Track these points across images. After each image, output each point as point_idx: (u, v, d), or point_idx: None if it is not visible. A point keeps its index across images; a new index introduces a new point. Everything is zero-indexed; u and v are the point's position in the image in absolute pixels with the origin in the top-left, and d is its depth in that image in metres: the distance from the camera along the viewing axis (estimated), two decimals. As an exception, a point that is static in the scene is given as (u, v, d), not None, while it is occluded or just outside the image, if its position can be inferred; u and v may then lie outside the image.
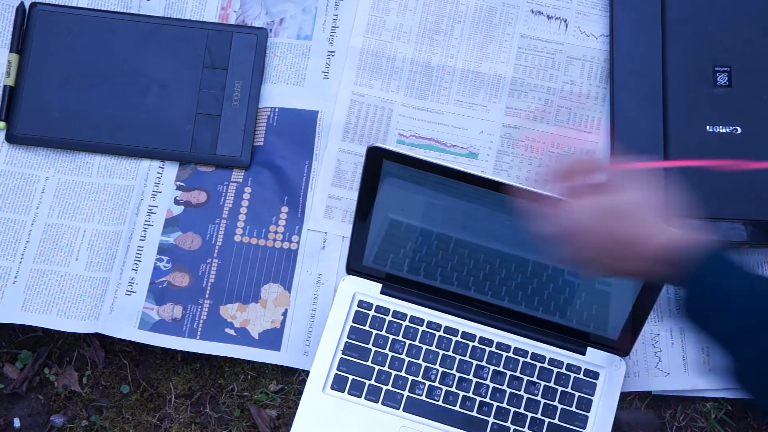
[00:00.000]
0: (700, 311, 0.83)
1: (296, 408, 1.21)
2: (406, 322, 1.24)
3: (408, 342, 1.23)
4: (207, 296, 1.28)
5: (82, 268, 1.28)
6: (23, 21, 1.36)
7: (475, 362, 1.22)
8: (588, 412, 1.21)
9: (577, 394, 1.21)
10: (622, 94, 1.33)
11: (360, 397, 1.21)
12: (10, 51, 1.35)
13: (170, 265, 1.30)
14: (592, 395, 1.21)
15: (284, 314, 1.28)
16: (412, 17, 1.40)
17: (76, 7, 1.38)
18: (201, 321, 1.27)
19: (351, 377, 1.21)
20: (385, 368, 1.22)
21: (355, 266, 1.25)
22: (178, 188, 1.33)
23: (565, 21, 1.39)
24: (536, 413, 1.20)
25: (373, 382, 1.21)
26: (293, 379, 1.26)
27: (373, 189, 1.16)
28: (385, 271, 1.24)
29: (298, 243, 1.31)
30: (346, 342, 1.23)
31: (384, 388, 1.21)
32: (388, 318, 1.24)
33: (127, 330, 1.26)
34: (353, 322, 1.23)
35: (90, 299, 1.27)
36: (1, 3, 1.37)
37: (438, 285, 1.23)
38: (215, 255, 1.30)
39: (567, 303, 1.21)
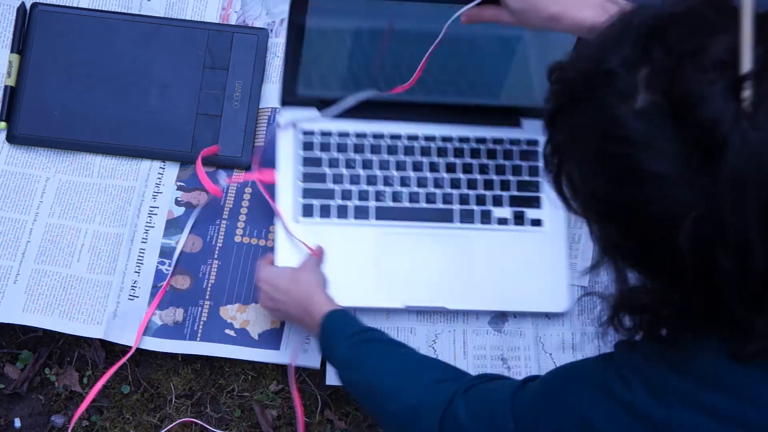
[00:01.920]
0: (323, 348, 1.13)
1: (297, 408, 1.21)
2: (353, 139, 1.29)
3: (359, 157, 1.29)
4: (207, 297, 1.28)
5: (83, 269, 1.29)
6: (24, 21, 1.36)
7: (426, 159, 1.30)
8: (538, 176, 1.31)
9: (524, 164, 1.31)
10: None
11: (329, 217, 1.27)
12: (11, 51, 1.35)
13: (171, 268, 1.30)
14: (537, 161, 1.31)
15: (284, 315, 1.28)
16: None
17: (76, 8, 1.38)
18: (201, 322, 1.27)
19: (316, 202, 1.27)
20: (347, 186, 1.28)
21: (289, 97, 1.29)
22: (179, 188, 1.33)
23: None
24: (494, 190, 1.30)
25: (339, 201, 1.27)
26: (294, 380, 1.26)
27: (303, 14, 1.18)
28: (319, 96, 1.29)
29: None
30: (303, 172, 1.28)
31: (350, 204, 1.28)
32: (334, 139, 1.29)
33: (131, 336, 1.26)
34: (303, 150, 1.29)
35: (92, 302, 1.27)
36: (2, 3, 1.37)
37: (371, 96, 1.25)
38: (215, 256, 1.30)
39: (491, 82, 1.27)
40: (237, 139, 1.34)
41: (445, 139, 1.31)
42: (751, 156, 0.61)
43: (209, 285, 1.29)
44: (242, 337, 1.27)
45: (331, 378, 1.24)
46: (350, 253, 1.26)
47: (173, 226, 1.32)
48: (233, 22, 1.39)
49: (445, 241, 1.28)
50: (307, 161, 1.29)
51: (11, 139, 1.33)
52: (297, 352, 1.24)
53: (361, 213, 1.28)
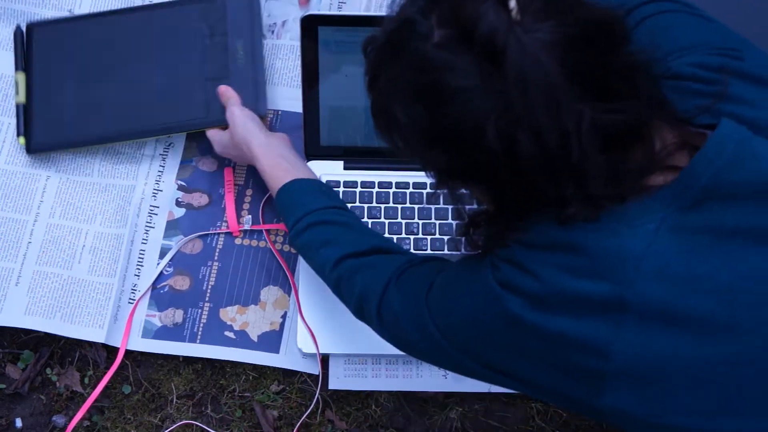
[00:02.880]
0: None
1: (298, 408, 1.21)
2: (376, 189, 1.30)
3: (383, 206, 1.29)
4: (207, 299, 1.29)
5: (84, 272, 1.29)
6: (23, 42, 1.37)
7: (450, 207, 1.29)
8: None
9: None
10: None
11: None
12: (16, 71, 1.36)
13: (171, 269, 1.30)
14: None
15: (283, 317, 1.28)
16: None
17: (69, 18, 1.39)
18: (201, 324, 1.28)
19: None
20: None
21: (312, 151, 1.30)
22: (180, 188, 1.34)
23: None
24: None
25: None
26: (294, 380, 1.26)
27: (314, 62, 1.21)
28: (342, 146, 1.30)
29: (298, 245, 1.31)
30: None
31: None
32: (358, 189, 1.30)
33: (131, 340, 1.27)
34: None
35: (94, 306, 1.27)
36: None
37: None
38: (216, 258, 1.31)
39: None
40: (250, 92, 1.33)
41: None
42: (528, 54, 0.72)
43: (209, 287, 1.29)
44: (242, 339, 1.27)
45: (334, 382, 1.24)
46: None
47: (173, 227, 1.32)
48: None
49: None
50: None
51: (31, 150, 1.33)
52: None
53: None
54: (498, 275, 0.84)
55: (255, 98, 1.33)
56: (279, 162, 1.20)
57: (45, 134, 1.33)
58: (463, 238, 0.91)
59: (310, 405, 1.25)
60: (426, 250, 1.27)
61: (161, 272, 1.30)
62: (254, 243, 1.31)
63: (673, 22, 0.96)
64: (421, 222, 1.28)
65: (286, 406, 1.26)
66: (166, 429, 1.25)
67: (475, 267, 0.88)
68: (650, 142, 0.80)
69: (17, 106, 1.34)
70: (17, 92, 1.35)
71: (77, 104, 1.34)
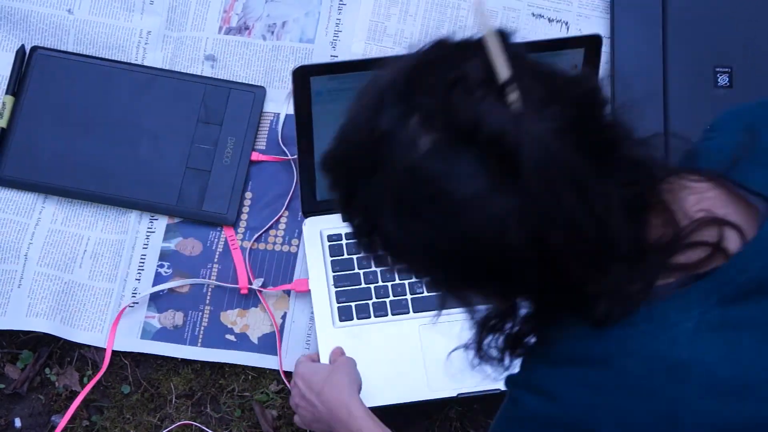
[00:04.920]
0: None
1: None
2: None
3: None
4: (207, 302, 1.29)
5: (85, 276, 1.29)
6: (21, 64, 1.35)
7: None
8: None
9: None
10: (623, 96, 1.33)
11: (370, 317, 1.25)
12: (6, 93, 1.34)
13: (171, 271, 1.30)
14: None
15: (283, 317, 1.28)
16: (413, 23, 1.40)
17: (76, 54, 1.37)
18: (202, 328, 1.27)
19: (353, 304, 1.25)
20: (381, 283, 1.26)
21: (309, 207, 1.29)
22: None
23: (566, 23, 1.39)
24: None
25: (374, 299, 1.25)
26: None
27: (308, 115, 1.18)
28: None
29: (298, 246, 1.31)
30: (334, 276, 1.27)
31: (388, 300, 1.26)
32: None
33: (130, 341, 1.27)
34: (331, 256, 1.27)
35: (94, 310, 1.27)
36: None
37: None
38: (216, 260, 1.30)
39: None
40: (224, 196, 1.32)
41: None
42: (543, 147, 0.65)
43: (209, 289, 1.29)
44: (242, 342, 1.27)
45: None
46: (395, 349, 1.24)
47: (173, 229, 1.32)
48: (234, 25, 1.40)
49: None
50: (337, 265, 1.27)
51: None
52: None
53: (399, 307, 1.25)
54: (521, 413, 0.78)
55: (227, 204, 1.31)
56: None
57: (17, 169, 1.31)
58: (475, 350, 0.82)
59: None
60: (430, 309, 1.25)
61: (160, 274, 1.29)
62: (254, 246, 1.31)
63: None
64: None
65: (285, 406, 1.26)
66: (166, 429, 1.25)
67: (503, 419, 0.83)
68: (669, 213, 0.74)
69: None
70: (1, 115, 1.33)
71: (57, 148, 1.32)
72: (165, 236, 1.31)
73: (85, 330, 1.26)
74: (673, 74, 1.33)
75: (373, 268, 1.26)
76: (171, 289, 1.29)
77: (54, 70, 1.36)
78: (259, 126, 1.36)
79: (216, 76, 1.37)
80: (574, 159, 0.67)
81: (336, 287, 1.26)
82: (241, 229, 1.32)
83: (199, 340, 1.27)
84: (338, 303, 1.25)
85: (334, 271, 1.26)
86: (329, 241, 1.28)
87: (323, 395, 1.13)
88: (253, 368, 1.27)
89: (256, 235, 1.31)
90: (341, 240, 1.28)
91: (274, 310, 1.28)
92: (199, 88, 1.36)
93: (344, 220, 0.76)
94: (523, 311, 0.78)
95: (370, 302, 1.25)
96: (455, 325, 1.18)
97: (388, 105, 0.69)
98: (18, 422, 1.26)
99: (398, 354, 1.23)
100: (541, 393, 0.76)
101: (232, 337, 1.27)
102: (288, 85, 1.38)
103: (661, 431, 0.72)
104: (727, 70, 1.32)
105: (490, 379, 0.82)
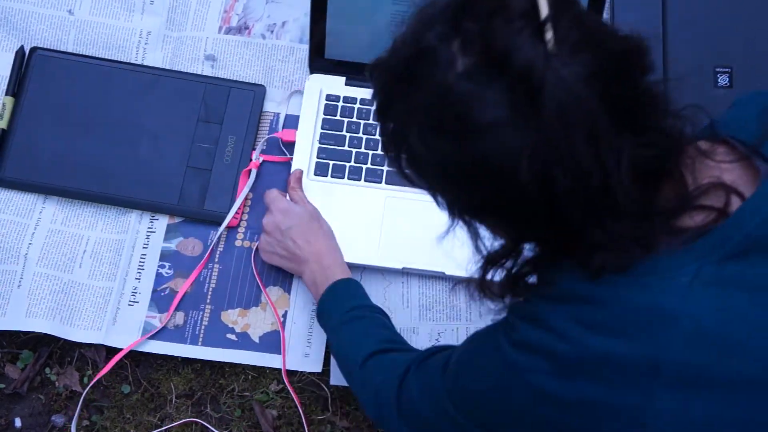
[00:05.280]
0: (319, 310, 1.19)
1: (297, 407, 1.21)
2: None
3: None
4: (208, 302, 1.29)
5: (85, 276, 1.29)
6: (21, 65, 1.36)
7: None
8: None
9: None
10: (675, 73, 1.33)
11: (343, 178, 1.32)
12: (6, 94, 1.34)
13: (172, 272, 1.30)
14: None
15: (284, 316, 1.28)
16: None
17: (76, 54, 1.38)
18: (203, 327, 1.27)
19: (331, 162, 1.32)
20: (362, 150, 1.32)
21: (317, 64, 1.34)
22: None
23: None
24: None
25: (352, 163, 1.32)
26: (294, 380, 1.26)
27: None
28: (346, 60, 1.33)
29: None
30: (321, 132, 1.33)
31: (364, 167, 1.32)
32: (357, 106, 1.33)
33: (131, 340, 1.27)
34: (324, 114, 1.34)
35: (93, 309, 1.27)
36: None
37: None
38: (216, 260, 1.30)
39: None
40: (225, 195, 1.32)
41: None
42: (567, 89, 0.68)
43: (210, 289, 1.29)
44: (243, 341, 1.27)
45: (336, 377, 1.24)
46: (357, 213, 1.30)
47: (173, 229, 1.32)
48: (234, 25, 1.40)
49: None
50: (327, 123, 1.33)
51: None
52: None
53: (373, 175, 1.31)
54: (516, 337, 0.80)
55: (228, 203, 1.32)
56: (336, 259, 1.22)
57: (17, 170, 1.32)
58: (477, 284, 0.85)
59: (311, 404, 1.25)
60: None
61: (161, 274, 1.29)
62: (255, 245, 1.31)
63: None
64: None
65: (285, 406, 1.26)
66: (166, 428, 1.25)
67: (489, 336, 0.85)
68: (681, 179, 0.76)
69: None
70: (1, 116, 1.33)
71: (58, 149, 1.32)
72: (165, 236, 1.31)
73: (84, 329, 1.26)
74: (673, 74, 1.33)
75: (360, 135, 1.32)
76: (172, 289, 1.29)
77: (54, 71, 1.36)
78: (259, 126, 1.36)
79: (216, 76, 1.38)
80: (595, 108, 0.69)
81: (320, 143, 1.32)
82: (241, 229, 1.32)
83: (200, 340, 1.27)
84: (317, 158, 1.32)
85: (322, 129, 1.33)
86: (327, 100, 1.34)
87: (312, 243, 1.23)
88: (253, 368, 1.27)
89: (256, 235, 1.31)
90: (338, 102, 1.33)
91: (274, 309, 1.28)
92: (199, 87, 1.36)
93: (380, 134, 0.81)
94: (526, 254, 0.82)
95: (347, 164, 1.32)
96: (418, 204, 1.25)
97: (438, 24, 0.73)
98: (18, 422, 1.26)
99: (359, 218, 1.29)
100: (536, 322, 0.79)
101: (233, 337, 1.27)
102: (288, 86, 1.38)
103: (642, 375, 0.74)
104: (727, 70, 1.32)
105: (493, 313, 0.87)
